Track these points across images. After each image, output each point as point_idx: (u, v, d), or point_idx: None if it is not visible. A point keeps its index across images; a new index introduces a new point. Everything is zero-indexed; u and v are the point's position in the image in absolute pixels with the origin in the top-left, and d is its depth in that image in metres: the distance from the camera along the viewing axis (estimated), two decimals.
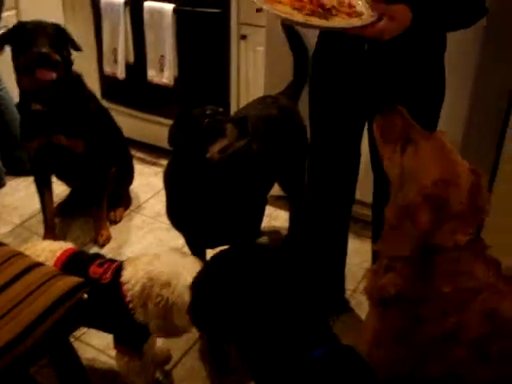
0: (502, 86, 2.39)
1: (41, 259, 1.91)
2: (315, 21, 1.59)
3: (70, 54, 2.64)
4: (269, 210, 2.82)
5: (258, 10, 2.79)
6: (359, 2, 1.67)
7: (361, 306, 2.46)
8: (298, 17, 1.59)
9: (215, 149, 2.00)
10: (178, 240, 2.46)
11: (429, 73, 1.89)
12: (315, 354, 1.46)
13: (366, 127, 2.08)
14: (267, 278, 1.68)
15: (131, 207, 3.22)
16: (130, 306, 1.86)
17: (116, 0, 3.32)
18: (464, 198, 1.44)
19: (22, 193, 3.32)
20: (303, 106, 2.68)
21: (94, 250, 2.82)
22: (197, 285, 1.70)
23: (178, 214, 2.23)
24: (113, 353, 2.03)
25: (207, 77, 3.30)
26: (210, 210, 2.13)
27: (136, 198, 3.31)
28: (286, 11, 1.59)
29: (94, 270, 1.95)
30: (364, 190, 2.23)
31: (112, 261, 2.00)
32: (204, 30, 3.16)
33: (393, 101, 1.68)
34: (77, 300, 1.71)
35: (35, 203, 2.95)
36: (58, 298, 1.66)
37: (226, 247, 1.74)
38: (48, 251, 1.99)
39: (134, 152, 3.49)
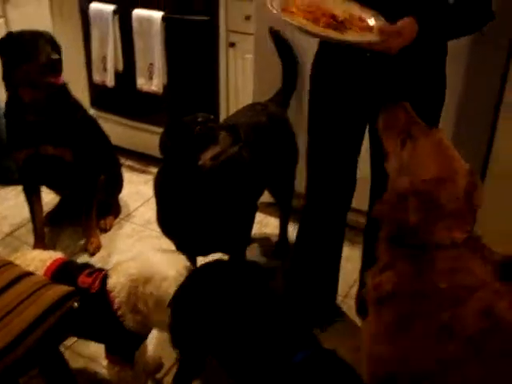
0: (491, 85, 2.42)
1: (31, 269, 1.91)
2: (332, 33, 1.63)
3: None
4: (259, 216, 2.82)
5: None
6: (371, 18, 1.70)
7: (352, 310, 2.48)
8: (316, 29, 1.63)
9: (207, 156, 2.00)
10: (169, 248, 2.45)
11: (431, 78, 1.90)
12: (296, 359, 1.48)
13: (366, 131, 2.09)
14: (247, 290, 1.73)
15: (121, 215, 3.21)
16: (119, 313, 1.87)
17: (105, 8, 3.32)
18: (460, 195, 1.46)
19: (12, 202, 3.30)
20: (292, 113, 2.70)
21: (84, 258, 2.82)
22: (176, 299, 1.74)
23: (168, 222, 2.23)
24: (104, 362, 2.02)
25: (196, 84, 3.30)
26: (201, 218, 2.13)
27: (126, 206, 3.30)
28: (301, 22, 1.64)
29: (83, 279, 1.95)
30: (358, 197, 2.24)
31: (101, 270, 2.00)
32: (193, 37, 3.17)
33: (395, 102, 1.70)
34: (67, 309, 1.71)
35: (25, 212, 2.94)
36: (49, 307, 1.65)
37: (213, 258, 1.77)
38: (38, 261, 1.99)
39: (123, 160, 3.49)
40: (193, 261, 2.30)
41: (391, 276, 1.53)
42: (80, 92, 3.31)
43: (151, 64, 3.29)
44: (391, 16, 1.69)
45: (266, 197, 2.72)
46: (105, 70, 3.46)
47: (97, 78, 3.53)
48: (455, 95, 2.35)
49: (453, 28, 1.77)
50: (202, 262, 1.99)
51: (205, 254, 2.36)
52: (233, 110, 2.99)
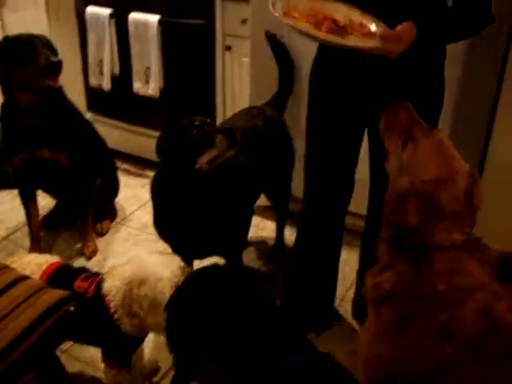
0: (488, 86, 2.42)
1: (27, 272, 1.90)
2: (334, 38, 1.64)
3: None
4: (256, 220, 2.82)
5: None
6: (372, 24, 1.71)
7: (349, 314, 2.48)
8: (319, 33, 1.64)
9: (204, 159, 2.01)
10: (165, 251, 2.45)
11: (430, 81, 1.90)
12: (290, 364, 1.49)
13: (365, 134, 2.09)
14: (241, 295, 1.74)
15: (117, 219, 3.21)
16: (115, 317, 1.86)
17: (101, 12, 3.32)
18: (461, 196, 1.46)
19: (7, 206, 3.30)
20: (288, 117, 2.70)
21: (80, 262, 2.81)
22: (172, 303, 1.75)
23: (165, 225, 2.22)
24: (101, 366, 2.01)
25: (193, 88, 3.31)
26: (198, 221, 2.13)
27: (122, 209, 3.29)
28: (304, 27, 1.65)
29: (79, 284, 1.95)
30: (355, 200, 2.23)
31: (97, 274, 2.00)
32: (189, 41, 3.17)
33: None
34: (63, 313, 1.70)
35: (20, 216, 2.93)
36: (45, 311, 1.65)
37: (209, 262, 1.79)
38: (34, 265, 1.98)
39: (119, 164, 3.49)
40: (189, 264, 2.30)
41: (391, 276, 1.53)
42: (76, 95, 3.31)
43: (148, 68, 3.29)
44: (390, 20, 1.70)
45: (262, 200, 2.73)
46: (101, 73, 3.46)
47: (93, 81, 3.53)
48: (452, 96, 2.35)
49: (452, 31, 1.77)
50: (199, 266, 1.99)
51: (201, 258, 2.36)
52: (229, 114, 3.00)
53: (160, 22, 3.16)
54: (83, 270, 2.06)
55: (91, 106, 3.73)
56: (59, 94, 2.66)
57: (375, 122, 1.71)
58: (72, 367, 2.19)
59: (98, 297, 1.89)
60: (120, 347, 1.92)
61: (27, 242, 2.89)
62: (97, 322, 1.90)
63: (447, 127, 2.36)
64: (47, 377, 1.86)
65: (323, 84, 2.02)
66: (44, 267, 1.98)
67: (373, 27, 1.71)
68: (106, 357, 1.97)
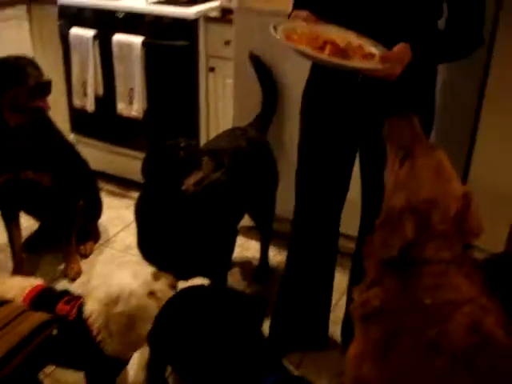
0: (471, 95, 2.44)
1: (10, 296, 1.89)
2: (338, 60, 1.67)
3: None
4: (240, 240, 2.82)
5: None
6: (371, 46, 1.74)
7: (335, 335, 2.45)
8: (322, 55, 1.68)
9: (191, 181, 2.01)
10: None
11: (421, 101, 1.92)
12: (268, 381, 1.52)
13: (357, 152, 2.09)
14: (222, 316, 1.76)
15: (101, 241, 3.19)
16: (98, 339, 1.86)
17: (85, 33, 3.34)
18: (448, 221, 1.47)
19: None
20: (271, 137, 2.72)
21: (64, 284, 2.79)
22: (155, 327, 1.78)
23: (149, 246, 2.22)
24: None
25: (176, 109, 3.32)
26: (182, 242, 2.13)
27: (105, 231, 3.28)
28: (306, 48, 1.69)
29: (61, 307, 1.94)
30: (346, 222, 2.24)
31: (79, 298, 2.00)
32: (173, 62, 3.19)
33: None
34: (46, 336, 1.69)
35: (3, 238, 2.91)
36: (27, 335, 1.64)
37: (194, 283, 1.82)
38: (17, 288, 1.98)
39: (103, 185, 3.47)
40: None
41: (378, 292, 1.54)
42: (60, 117, 3.31)
43: (131, 89, 3.30)
44: (385, 43, 1.73)
45: (246, 220, 2.73)
46: (85, 94, 3.46)
47: (77, 102, 3.53)
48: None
49: (445, 53, 1.81)
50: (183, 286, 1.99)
51: (186, 278, 2.35)
52: (213, 135, 3.00)
53: (144, 43, 3.18)
54: (66, 292, 2.05)
55: (75, 127, 3.72)
56: (43, 115, 2.66)
57: (367, 143, 1.72)
58: None
59: (80, 320, 1.89)
60: (104, 370, 1.91)
61: (10, 264, 2.86)
62: (79, 345, 1.89)
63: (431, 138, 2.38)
64: None
65: (316, 106, 2.03)
66: (27, 290, 1.98)
67: (373, 49, 1.74)
68: (89, 382, 1.96)
